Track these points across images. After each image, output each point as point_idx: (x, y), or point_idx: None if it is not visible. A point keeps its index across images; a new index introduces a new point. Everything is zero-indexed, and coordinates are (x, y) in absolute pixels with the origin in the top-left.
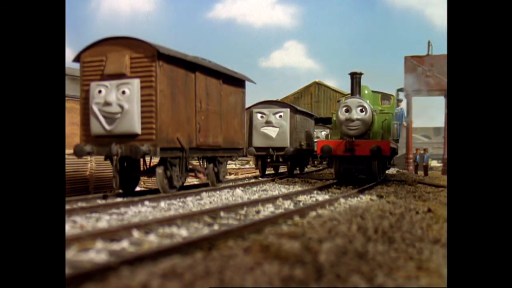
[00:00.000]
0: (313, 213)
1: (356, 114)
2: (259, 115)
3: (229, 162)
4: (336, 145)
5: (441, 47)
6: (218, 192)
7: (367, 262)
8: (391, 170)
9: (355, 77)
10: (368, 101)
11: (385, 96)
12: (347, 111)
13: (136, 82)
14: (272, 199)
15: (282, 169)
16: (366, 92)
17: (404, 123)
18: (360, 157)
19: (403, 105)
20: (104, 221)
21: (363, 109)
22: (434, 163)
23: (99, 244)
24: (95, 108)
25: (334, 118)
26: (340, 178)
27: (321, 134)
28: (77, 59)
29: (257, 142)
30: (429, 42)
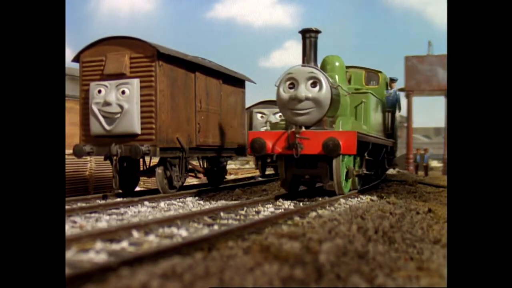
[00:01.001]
0: (313, 214)
1: (305, 90)
2: (259, 115)
3: (229, 162)
4: (275, 139)
5: (441, 47)
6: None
7: (367, 262)
8: (391, 170)
9: (309, 38)
10: (329, 75)
11: (372, 74)
12: (292, 86)
13: (136, 82)
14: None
15: None
16: (336, 64)
17: (398, 113)
18: (315, 158)
19: (401, 94)
20: (104, 221)
21: (317, 83)
22: (434, 163)
23: (99, 244)
24: (94, 108)
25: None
26: (290, 189)
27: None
28: (76, 59)
29: None
30: (429, 42)
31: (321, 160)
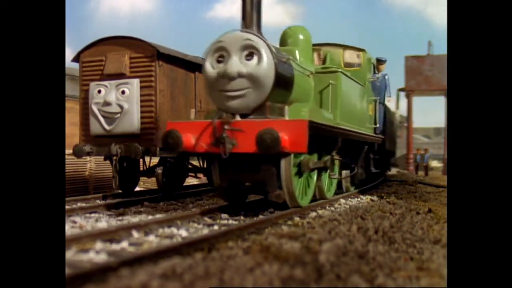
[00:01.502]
0: (313, 214)
1: (237, 64)
2: None
3: None
4: (199, 132)
5: (441, 47)
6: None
7: (368, 262)
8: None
9: None
10: (288, 50)
11: (352, 53)
12: (220, 59)
13: (135, 82)
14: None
15: None
16: (300, 37)
17: (388, 98)
18: (256, 158)
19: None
20: (104, 221)
21: (254, 54)
22: (434, 163)
23: (99, 245)
24: (94, 108)
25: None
26: (227, 197)
27: None
28: (76, 59)
29: None
30: (429, 42)
31: (265, 161)
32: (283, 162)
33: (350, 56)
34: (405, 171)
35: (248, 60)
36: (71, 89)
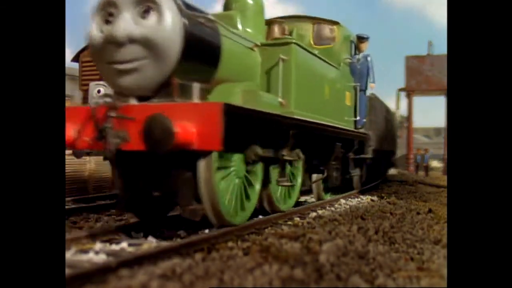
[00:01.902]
0: (313, 214)
1: (127, 25)
2: None
3: None
4: (82, 121)
5: (441, 47)
6: None
7: (368, 262)
8: (391, 171)
9: None
10: (228, 15)
11: (323, 28)
12: (110, 18)
13: None
14: None
15: None
16: (249, 2)
17: (372, 85)
18: (162, 157)
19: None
20: (103, 221)
21: (151, 10)
22: (435, 164)
23: (98, 245)
24: None
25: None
26: (133, 210)
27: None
28: (76, 58)
29: None
30: (429, 42)
31: (177, 163)
32: (201, 164)
33: (320, 31)
34: (405, 171)
35: (143, 17)
36: (71, 89)
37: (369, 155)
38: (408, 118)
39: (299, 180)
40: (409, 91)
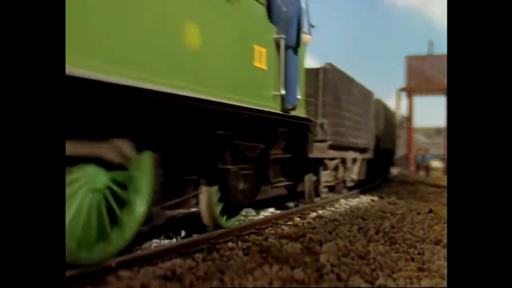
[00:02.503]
0: (313, 214)
1: None
2: None
3: None
4: None
5: (441, 47)
6: None
7: (368, 263)
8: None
9: None
10: None
11: None
12: None
13: None
14: None
15: None
16: None
17: (307, 37)
18: None
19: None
20: None
21: None
22: (435, 164)
23: None
24: None
25: None
26: None
27: None
28: None
29: None
30: (430, 42)
31: None
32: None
33: None
34: (406, 171)
35: None
36: None
37: (323, 154)
38: (409, 118)
39: (140, 205)
40: (410, 91)
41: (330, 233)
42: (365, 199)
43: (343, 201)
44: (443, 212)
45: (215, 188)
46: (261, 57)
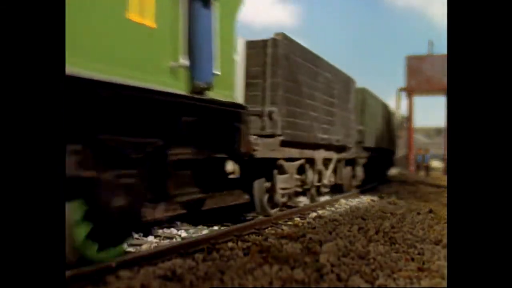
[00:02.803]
0: (313, 214)
1: None
2: None
3: None
4: None
5: (441, 47)
6: None
7: (368, 263)
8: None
9: None
10: None
11: None
12: None
13: None
14: None
15: None
16: None
17: None
18: None
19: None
20: None
21: None
22: (435, 164)
23: None
24: None
25: None
26: None
27: None
28: None
29: None
30: (430, 42)
31: None
32: None
33: None
34: (405, 171)
35: None
36: None
37: (276, 153)
38: (409, 118)
39: None
40: (410, 91)
41: (330, 233)
42: (365, 199)
43: (343, 201)
44: (443, 212)
45: (71, 205)
46: (144, 7)
